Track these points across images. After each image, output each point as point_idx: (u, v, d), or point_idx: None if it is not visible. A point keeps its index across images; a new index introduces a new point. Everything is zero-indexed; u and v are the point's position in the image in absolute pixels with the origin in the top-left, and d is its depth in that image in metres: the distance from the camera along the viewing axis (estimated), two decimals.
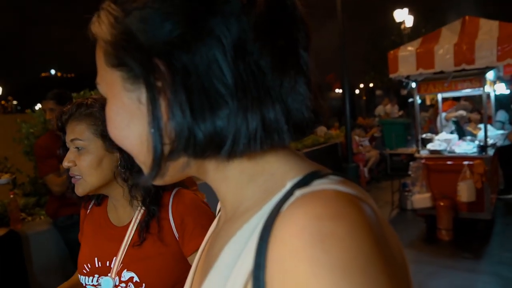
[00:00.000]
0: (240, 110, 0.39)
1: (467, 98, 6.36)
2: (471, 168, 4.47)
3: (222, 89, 0.38)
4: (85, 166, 1.03)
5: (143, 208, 1.08)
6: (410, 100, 9.81)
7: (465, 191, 4.40)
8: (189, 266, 1.06)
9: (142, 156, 0.46)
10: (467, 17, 4.76)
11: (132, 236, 1.07)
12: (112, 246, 1.09)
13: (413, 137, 7.85)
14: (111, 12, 0.42)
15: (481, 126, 5.09)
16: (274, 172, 0.45)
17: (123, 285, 1.03)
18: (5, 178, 3.15)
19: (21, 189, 3.70)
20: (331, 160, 7.78)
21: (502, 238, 4.55)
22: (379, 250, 0.34)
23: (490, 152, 4.64)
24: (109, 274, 1.05)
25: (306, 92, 0.42)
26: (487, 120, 4.91)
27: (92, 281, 1.08)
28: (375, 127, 9.89)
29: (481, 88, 4.65)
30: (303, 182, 0.41)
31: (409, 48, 4.76)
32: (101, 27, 0.43)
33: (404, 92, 13.50)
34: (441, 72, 4.59)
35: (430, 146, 5.05)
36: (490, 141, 4.84)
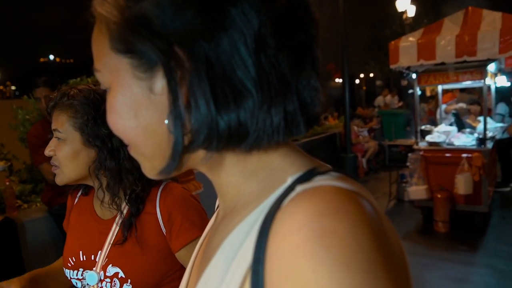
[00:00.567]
0: (264, 103, 0.38)
1: (471, 89, 6.33)
2: (469, 160, 4.46)
3: (245, 80, 0.38)
4: (62, 157, 1.03)
5: (128, 205, 1.06)
6: (410, 91, 9.77)
7: (462, 184, 4.40)
8: (177, 262, 1.05)
9: (147, 149, 0.44)
10: (470, 8, 4.70)
11: (117, 232, 1.05)
12: (97, 240, 1.06)
13: (413, 128, 7.84)
14: None
15: (481, 118, 5.07)
16: (275, 167, 0.45)
17: (108, 280, 1.01)
18: (1, 165, 3.14)
19: (17, 176, 3.70)
20: (329, 150, 7.77)
21: (498, 231, 4.57)
22: (379, 246, 0.34)
23: (489, 145, 4.63)
24: (94, 268, 1.03)
25: (318, 86, 0.43)
26: (487, 112, 4.89)
27: (77, 275, 1.06)
28: (375, 118, 9.87)
29: (482, 80, 4.61)
30: (304, 178, 0.41)
31: (411, 38, 4.71)
32: (110, 8, 0.40)
33: (404, 82, 13.44)
34: (442, 63, 4.55)
35: (429, 138, 5.03)
36: (489, 134, 4.83)
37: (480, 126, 5.07)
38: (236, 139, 0.40)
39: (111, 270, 1.01)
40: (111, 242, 1.04)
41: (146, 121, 0.42)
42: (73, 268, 1.07)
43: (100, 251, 1.04)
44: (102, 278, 1.01)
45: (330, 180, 0.39)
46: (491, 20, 4.37)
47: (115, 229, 1.05)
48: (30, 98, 3.74)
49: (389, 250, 0.35)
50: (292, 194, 0.38)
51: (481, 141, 4.60)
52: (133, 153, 0.47)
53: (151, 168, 0.46)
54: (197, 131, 0.39)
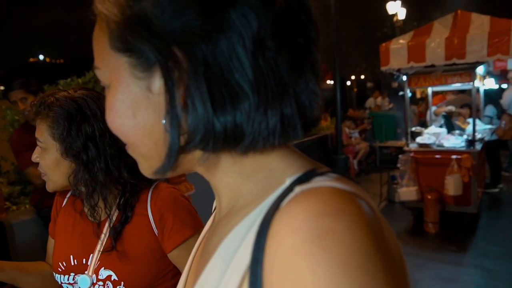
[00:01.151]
0: (261, 105, 0.38)
1: (462, 92, 6.40)
2: (459, 162, 4.51)
3: (242, 82, 0.38)
4: (44, 165, 1.03)
5: (117, 210, 1.05)
6: (401, 93, 9.85)
7: (452, 185, 4.45)
8: (170, 263, 1.04)
9: (145, 148, 0.44)
10: (459, 11, 4.76)
11: (107, 238, 1.04)
12: (88, 243, 1.05)
13: (403, 130, 7.91)
14: None
15: (470, 120, 5.13)
16: (273, 169, 0.45)
17: (101, 283, 1.00)
18: None
19: (6, 178, 3.64)
20: (321, 151, 7.80)
21: (487, 232, 4.62)
22: (378, 247, 0.34)
23: (478, 146, 4.69)
24: (86, 272, 1.02)
25: (317, 90, 0.43)
26: (476, 114, 4.95)
27: (68, 280, 1.05)
28: (365, 120, 9.94)
29: (471, 83, 4.67)
30: (303, 179, 0.41)
31: (401, 41, 4.75)
32: (111, 7, 0.40)
33: (395, 84, 13.55)
34: (432, 65, 4.60)
35: (419, 139, 5.08)
36: (478, 136, 4.89)
37: (469, 128, 5.13)
38: (232, 141, 0.40)
39: (104, 273, 1.00)
40: (104, 244, 1.03)
41: (144, 120, 0.42)
42: (64, 272, 1.06)
43: (91, 254, 1.03)
44: (94, 281, 1.00)
45: (329, 181, 0.39)
46: (480, 23, 4.43)
47: (107, 230, 1.04)
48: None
49: (387, 251, 0.35)
50: (291, 195, 0.38)
51: (470, 142, 4.65)
52: (131, 152, 0.47)
53: (148, 167, 0.46)
54: (193, 132, 0.39)
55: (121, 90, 0.42)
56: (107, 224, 1.05)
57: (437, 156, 4.75)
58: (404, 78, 5.07)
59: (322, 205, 0.35)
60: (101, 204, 1.05)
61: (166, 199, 1.04)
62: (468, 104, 5.94)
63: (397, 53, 4.69)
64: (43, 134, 1.02)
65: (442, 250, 4.20)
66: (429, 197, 4.61)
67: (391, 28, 16.19)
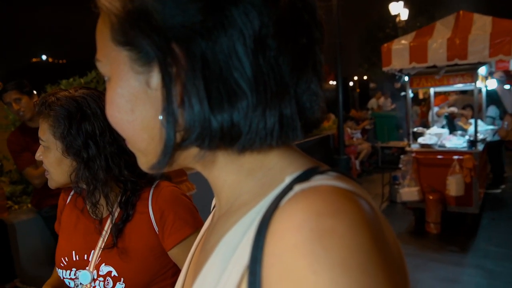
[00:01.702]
0: (259, 105, 0.38)
1: (464, 92, 6.40)
2: (461, 162, 4.51)
3: (241, 81, 0.37)
4: (47, 163, 1.05)
5: (119, 208, 1.06)
6: (403, 93, 9.84)
7: (454, 185, 4.44)
8: (170, 261, 1.05)
9: (143, 143, 0.44)
10: (461, 12, 4.75)
11: (109, 235, 1.05)
12: (90, 239, 1.07)
13: (405, 130, 7.91)
14: None
15: (472, 121, 5.12)
16: (273, 167, 0.44)
17: (101, 279, 1.01)
18: None
19: (8, 177, 3.66)
20: (323, 152, 7.80)
21: (489, 232, 4.61)
22: (378, 247, 0.34)
23: (480, 147, 4.68)
24: (87, 268, 1.03)
25: (319, 91, 0.42)
26: (478, 115, 4.94)
27: (69, 275, 1.06)
28: (367, 119, 9.93)
29: (473, 83, 4.66)
30: (302, 178, 0.41)
31: (403, 41, 4.75)
32: (112, 0, 0.40)
33: (397, 85, 13.53)
34: (434, 66, 4.59)
35: (421, 140, 5.07)
36: (480, 136, 4.88)
37: (471, 129, 5.12)
38: (229, 140, 0.40)
39: (104, 269, 1.01)
40: (105, 241, 1.04)
41: (142, 115, 0.42)
42: (66, 268, 1.07)
43: (93, 251, 1.05)
44: (95, 277, 1.02)
45: (329, 179, 0.39)
46: (482, 24, 4.42)
47: (107, 229, 1.06)
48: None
49: (387, 250, 0.35)
50: (291, 194, 0.38)
51: (472, 143, 4.65)
52: (130, 147, 0.47)
53: (145, 162, 0.46)
54: (189, 129, 0.39)
55: (121, 84, 0.42)
56: (108, 221, 1.06)
57: (439, 156, 4.74)
58: (406, 78, 5.06)
59: (322, 204, 0.35)
60: (102, 201, 1.07)
61: (167, 197, 1.05)
62: (470, 105, 5.93)
63: (399, 53, 4.68)
64: (45, 133, 1.03)
65: (443, 250, 4.20)
66: (431, 197, 4.60)
67: (394, 28, 16.17)
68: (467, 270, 3.71)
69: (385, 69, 4.92)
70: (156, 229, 1.04)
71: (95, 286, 1.01)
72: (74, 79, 3.73)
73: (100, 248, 1.04)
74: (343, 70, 6.88)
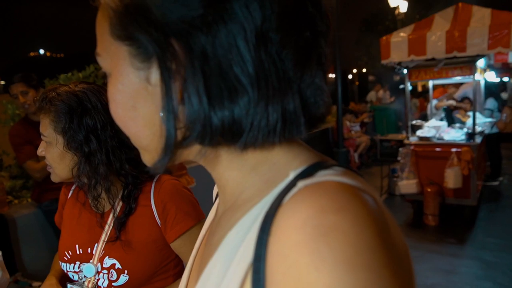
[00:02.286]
0: (261, 101, 0.37)
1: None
2: (459, 155, 4.52)
3: (242, 77, 0.36)
4: (50, 158, 1.05)
5: (121, 202, 1.07)
6: (401, 86, 9.83)
7: (452, 178, 4.46)
8: (172, 253, 1.07)
9: (146, 140, 0.43)
10: (460, 4, 4.73)
11: (112, 228, 1.06)
12: (93, 233, 1.08)
13: (404, 123, 7.90)
14: None
15: (470, 113, 5.13)
16: (277, 162, 0.44)
17: (105, 271, 1.03)
18: None
19: (8, 172, 3.66)
20: (322, 145, 7.81)
21: (486, 224, 4.64)
22: (383, 243, 0.33)
23: (478, 139, 4.69)
24: (91, 261, 1.05)
25: (323, 86, 0.41)
26: (476, 107, 4.95)
27: (73, 268, 1.08)
28: (366, 112, 9.93)
29: (471, 76, 4.66)
30: (307, 173, 0.40)
31: (402, 34, 4.74)
32: None
33: (397, 77, 13.51)
34: (433, 59, 4.59)
35: (419, 132, 5.08)
36: (478, 129, 4.89)
37: (469, 121, 5.13)
38: (231, 137, 0.39)
39: (108, 261, 1.03)
40: (108, 234, 1.06)
41: (144, 112, 0.41)
42: (70, 261, 1.09)
43: (96, 244, 1.06)
44: (99, 270, 1.03)
45: (333, 175, 0.38)
46: (481, 16, 4.41)
47: (110, 223, 1.07)
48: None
49: (392, 247, 0.34)
50: (294, 190, 0.37)
51: (470, 135, 4.66)
52: (133, 143, 0.47)
53: (149, 158, 0.46)
54: (190, 126, 0.38)
55: (121, 81, 0.41)
56: (111, 215, 1.07)
57: (437, 149, 4.75)
58: (405, 71, 5.06)
59: (326, 200, 0.34)
60: (104, 195, 1.08)
61: (169, 190, 1.07)
62: (468, 97, 5.93)
63: (397, 46, 4.68)
64: (47, 128, 1.04)
65: (441, 242, 4.23)
66: (429, 190, 4.62)
67: (393, 21, 16.09)
68: (465, 261, 3.75)
69: (384, 61, 4.91)
70: (159, 221, 1.05)
71: (99, 279, 1.03)
72: (73, 73, 3.72)
73: (104, 241, 1.05)
74: (342, 63, 6.86)
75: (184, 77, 0.36)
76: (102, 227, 1.07)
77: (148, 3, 0.36)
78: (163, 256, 1.06)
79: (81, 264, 1.07)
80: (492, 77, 6.44)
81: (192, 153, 0.44)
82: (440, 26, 4.55)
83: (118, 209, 1.07)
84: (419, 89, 9.79)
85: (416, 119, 6.85)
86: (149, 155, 0.45)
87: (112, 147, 1.04)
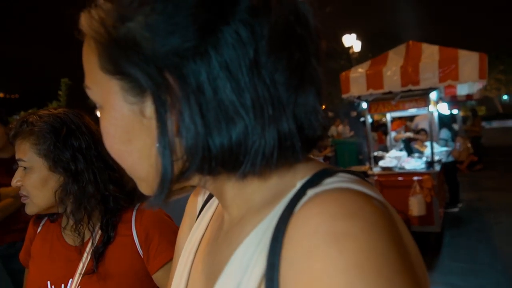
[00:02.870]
0: (257, 126, 0.37)
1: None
2: (420, 183, 4.69)
3: (237, 104, 0.36)
4: (30, 186, 0.99)
5: (100, 231, 1.02)
6: (362, 119, 10.23)
7: (416, 205, 4.60)
8: (154, 284, 1.01)
9: (143, 172, 0.42)
10: (410, 42, 5.10)
11: (89, 261, 1.00)
12: (66, 268, 1.00)
13: (365, 155, 8.16)
14: (109, 12, 0.37)
15: (427, 144, 5.40)
16: (283, 175, 0.44)
17: None
18: None
19: None
20: None
21: (451, 249, 4.77)
22: (395, 249, 0.33)
23: (437, 167, 4.91)
24: None
25: (318, 107, 0.41)
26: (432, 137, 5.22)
27: None
28: (328, 147, 10.19)
29: (426, 108, 4.95)
30: (313, 181, 0.40)
31: (360, 70, 5.00)
32: (97, 26, 0.37)
33: (354, 113, 14.08)
34: (390, 92, 4.85)
35: (381, 163, 5.26)
36: (436, 158, 5.13)
37: (427, 150, 5.38)
38: (231, 166, 0.39)
39: None
40: (85, 268, 0.98)
41: (140, 145, 0.41)
42: None
43: (71, 279, 0.98)
44: None
45: (342, 182, 0.39)
46: (430, 52, 4.76)
47: (86, 257, 1.00)
48: None
49: (404, 252, 0.34)
50: (305, 199, 0.38)
51: (430, 164, 4.87)
52: (130, 175, 0.45)
53: (147, 187, 0.45)
54: (188, 157, 0.37)
55: (114, 115, 0.40)
56: (89, 246, 1.01)
57: (400, 178, 4.92)
58: (365, 105, 5.29)
59: (337, 207, 0.34)
60: (85, 220, 1.02)
61: (151, 218, 1.03)
62: (424, 129, 6.26)
63: (356, 81, 4.92)
64: (27, 153, 0.98)
65: None
66: None
67: (348, 60, 16.99)
68: (434, 287, 3.80)
69: (344, 96, 5.13)
70: (141, 252, 1.00)
71: None
72: (33, 110, 3.58)
73: (80, 274, 0.98)
74: None
75: (180, 110, 0.36)
76: (78, 260, 1.00)
77: (138, 37, 0.35)
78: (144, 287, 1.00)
79: None
80: (444, 109, 6.86)
81: (193, 183, 0.43)
82: (394, 61, 4.86)
83: (97, 237, 1.01)
84: (375, 123, 10.22)
85: (375, 151, 7.10)
86: (146, 184, 0.44)
87: (98, 168, 0.99)
